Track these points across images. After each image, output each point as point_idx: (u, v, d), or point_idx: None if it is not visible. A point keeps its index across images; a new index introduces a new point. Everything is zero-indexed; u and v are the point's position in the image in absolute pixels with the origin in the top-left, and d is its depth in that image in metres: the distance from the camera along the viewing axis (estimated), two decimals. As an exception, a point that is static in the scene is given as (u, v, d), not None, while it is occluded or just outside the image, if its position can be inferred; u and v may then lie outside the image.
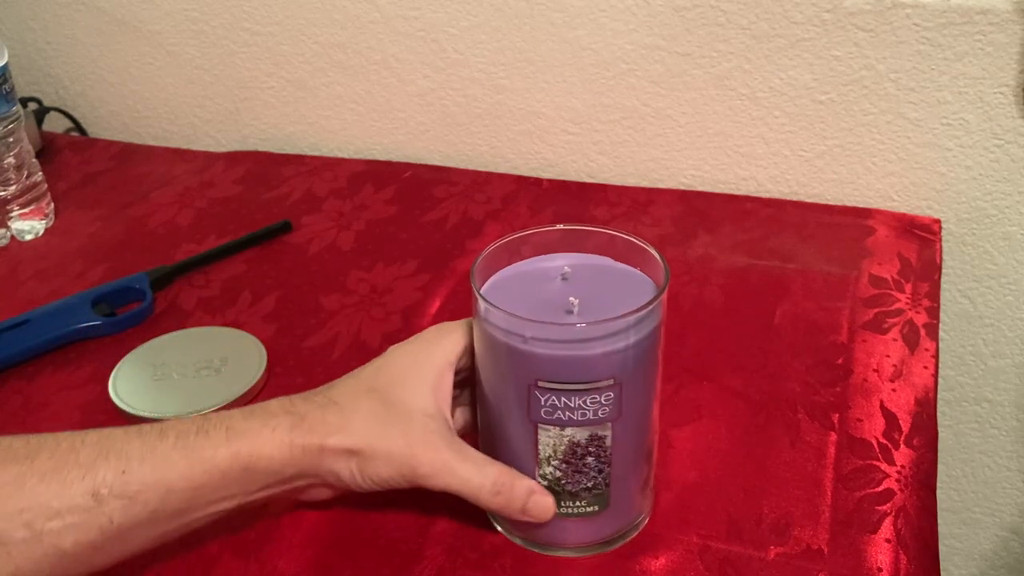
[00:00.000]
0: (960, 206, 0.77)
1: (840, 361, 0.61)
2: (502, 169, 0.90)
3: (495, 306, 0.42)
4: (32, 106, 1.01)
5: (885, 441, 0.54)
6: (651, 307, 0.42)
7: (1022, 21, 0.68)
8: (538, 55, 0.83)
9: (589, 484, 0.45)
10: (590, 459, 0.44)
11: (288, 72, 0.93)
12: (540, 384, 0.42)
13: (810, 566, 0.47)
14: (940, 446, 0.56)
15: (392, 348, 0.49)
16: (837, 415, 0.56)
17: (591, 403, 0.42)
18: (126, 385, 0.60)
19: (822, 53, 0.74)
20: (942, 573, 0.48)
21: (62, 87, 1.04)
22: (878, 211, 0.78)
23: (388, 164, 0.90)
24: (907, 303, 0.66)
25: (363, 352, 0.64)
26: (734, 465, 0.53)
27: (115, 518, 0.40)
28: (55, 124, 1.05)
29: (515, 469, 0.45)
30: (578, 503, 0.46)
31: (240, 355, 0.63)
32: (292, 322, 0.67)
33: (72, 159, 0.95)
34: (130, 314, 0.68)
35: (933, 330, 0.64)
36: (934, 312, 0.65)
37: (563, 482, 0.45)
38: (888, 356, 0.61)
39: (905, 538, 0.48)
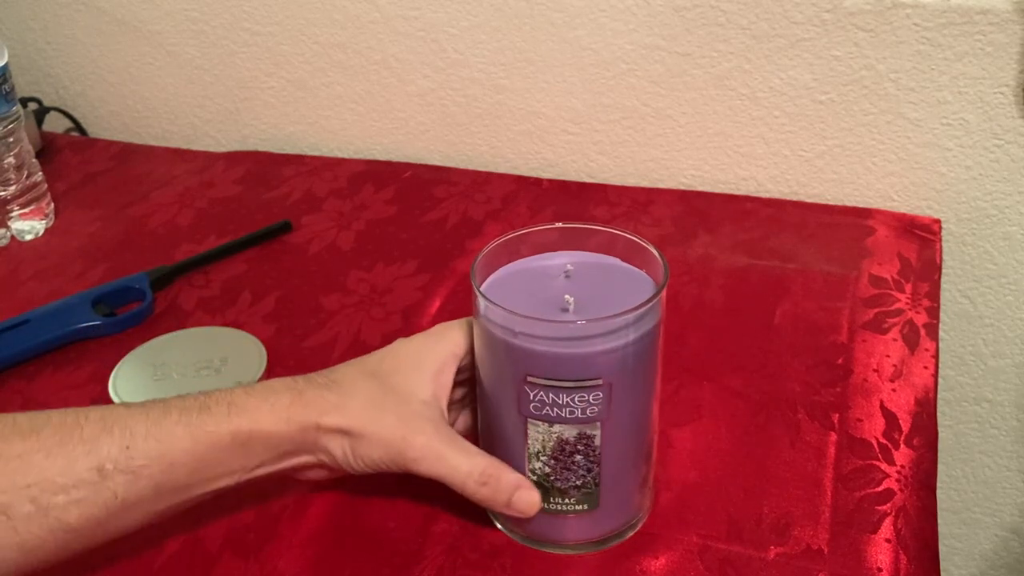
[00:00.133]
0: (960, 206, 0.77)
1: (840, 361, 0.61)
2: (502, 169, 0.90)
3: (491, 301, 0.43)
4: (32, 106, 1.01)
5: (885, 441, 0.54)
6: (645, 308, 0.42)
7: (1022, 21, 0.68)
8: (538, 55, 0.83)
9: (578, 482, 0.45)
10: (579, 457, 0.45)
11: (288, 72, 0.93)
12: (529, 379, 0.43)
13: (810, 566, 0.47)
14: (940, 446, 0.56)
15: (398, 340, 0.50)
16: (837, 415, 0.56)
17: (579, 401, 0.43)
18: (126, 385, 0.60)
19: (822, 53, 0.74)
20: (942, 573, 0.48)
21: (62, 87, 1.04)
22: (878, 211, 0.78)
23: (388, 164, 0.90)
24: (907, 303, 0.66)
25: (363, 352, 0.63)
26: (734, 465, 0.53)
27: (119, 493, 0.40)
28: (55, 124, 1.05)
29: (507, 463, 0.46)
30: (567, 500, 0.46)
31: (240, 355, 0.63)
32: (292, 322, 0.67)
33: (72, 159, 0.95)
34: (130, 314, 0.68)
35: (933, 330, 0.64)
36: (934, 312, 0.65)
37: (552, 478, 0.45)
38: (888, 356, 0.61)
39: (905, 538, 0.48)
